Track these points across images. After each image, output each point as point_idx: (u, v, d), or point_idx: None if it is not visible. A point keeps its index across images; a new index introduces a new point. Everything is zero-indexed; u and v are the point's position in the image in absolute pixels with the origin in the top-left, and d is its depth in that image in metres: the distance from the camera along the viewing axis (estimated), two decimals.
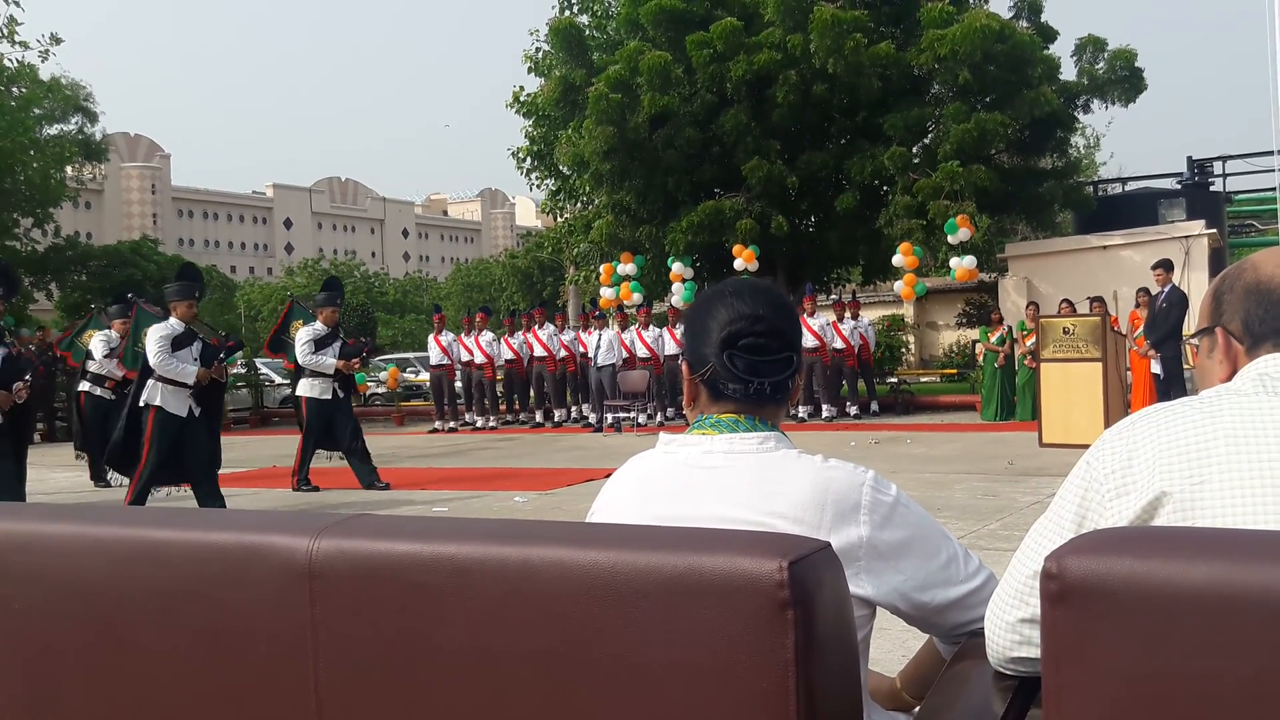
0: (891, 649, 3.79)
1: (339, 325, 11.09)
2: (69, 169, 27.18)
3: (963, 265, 18.69)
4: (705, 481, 1.67)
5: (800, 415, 17.18)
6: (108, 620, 1.59)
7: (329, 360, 10.66)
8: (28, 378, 8.87)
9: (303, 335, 10.76)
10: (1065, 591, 1.11)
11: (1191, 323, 14.39)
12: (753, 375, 1.71)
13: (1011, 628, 1.48)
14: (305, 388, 10.86)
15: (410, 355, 31.20)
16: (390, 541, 1.42)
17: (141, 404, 8.86)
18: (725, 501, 1.63)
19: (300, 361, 10.77)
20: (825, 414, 17.65)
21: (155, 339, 8.75)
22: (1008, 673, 1.52)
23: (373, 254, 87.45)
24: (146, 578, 1.56)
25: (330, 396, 10.79)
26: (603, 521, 1.75)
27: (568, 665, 1.29)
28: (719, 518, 1.59)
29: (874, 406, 18.45)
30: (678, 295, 20.50)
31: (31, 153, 24.63)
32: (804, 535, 1.41)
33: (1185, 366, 14.25)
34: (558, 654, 1.30)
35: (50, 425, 19.21)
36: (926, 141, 20.81)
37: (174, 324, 8.89)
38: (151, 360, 8.72)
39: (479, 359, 19.39)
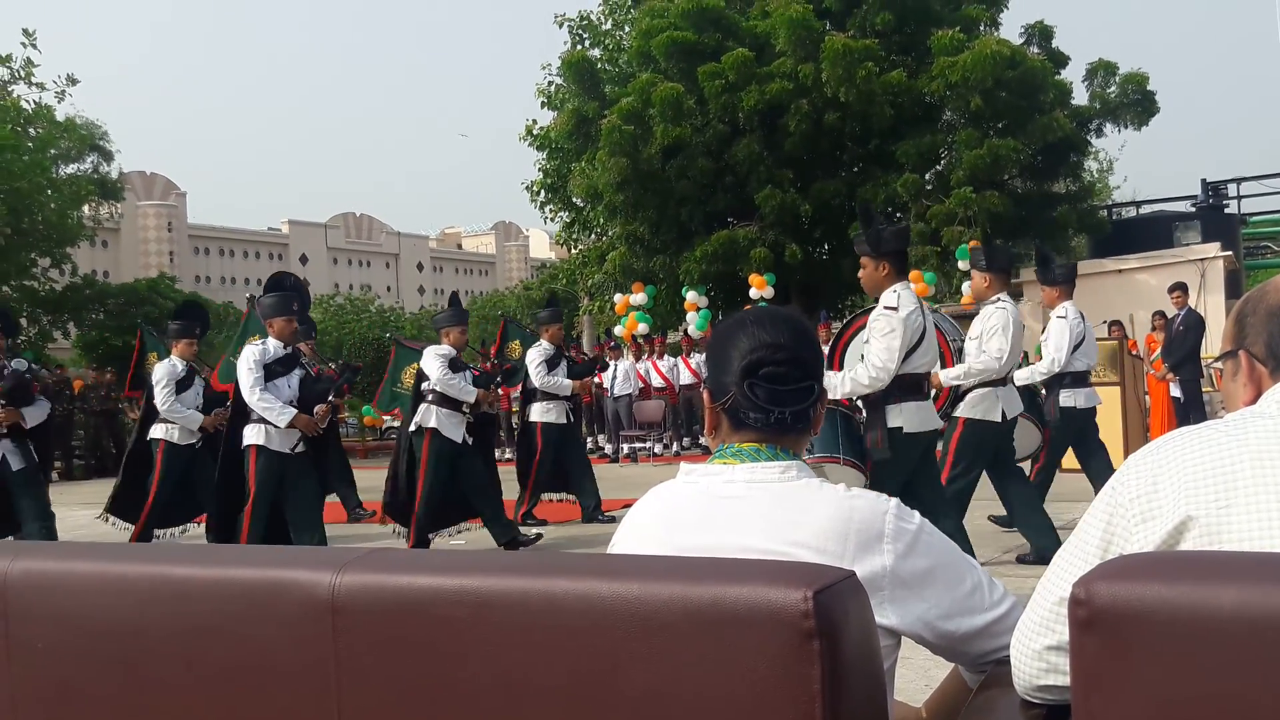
0: (914, 678, 3.76)
1: (565, 343, 10.38)
2: (86, 208, 27.32)
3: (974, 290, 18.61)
4: (727, 511, 1.66)
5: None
6: (130, 658, 1.59)
7: (565, 382, 9.89)
8: (331, 398, 7.92)
9: (533, 356, 9.92)
10: (1094, 618, 1.10)
11: (1209, 345, 14.38)
12: (774, 404, 1.70)
13: (1038, 655, 1.46)
14: (539, 412, 9.92)
15: None
16: (413, 575, 1.42)
17: (414, 427, 8.43)
18: (747, 531, 1.62)
19: (536, 383, 9.94)
20: None
21: (434, 358, 8.41)
22: (1035, 701, 1.50)
23: (388, 288, 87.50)
24: (169, 615, 1.56)
25: (565, 421, 10.02)
26: (625, 552, 1.74)
27: (592, 698, 1.28)
28: (741, 548, 1.57)
29: None
30: (692, 324, 20.50)
31: (49, 192, 24.77)
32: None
33: (1204, 390, 14.17)
34: (582, 686, 1.29)
35: (68, 464, 19.21)
36: (939, 168, 20.82)
37: (450, 348, 8.56)
38: (433, 378, 8.34)
39: None
